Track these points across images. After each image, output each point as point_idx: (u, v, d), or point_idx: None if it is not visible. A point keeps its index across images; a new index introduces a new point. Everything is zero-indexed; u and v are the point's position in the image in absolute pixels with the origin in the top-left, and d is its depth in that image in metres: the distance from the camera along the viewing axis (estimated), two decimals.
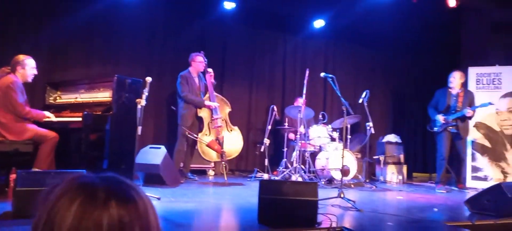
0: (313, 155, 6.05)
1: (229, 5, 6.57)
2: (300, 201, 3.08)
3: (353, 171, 5.74)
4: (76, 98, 4.55)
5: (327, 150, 5.88)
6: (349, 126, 6.10)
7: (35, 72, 4.12)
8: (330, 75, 4.59)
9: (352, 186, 5.64)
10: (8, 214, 3.00)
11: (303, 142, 5.80)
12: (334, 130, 6.05)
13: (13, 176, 4.11)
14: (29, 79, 4.06)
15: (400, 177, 6.45)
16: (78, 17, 5.70)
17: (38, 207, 0.66)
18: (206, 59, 5.59)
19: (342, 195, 3.96)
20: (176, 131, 5.47)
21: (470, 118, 5.56)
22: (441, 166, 5.62)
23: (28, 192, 2.88)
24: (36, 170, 3.69)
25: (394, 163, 6.69)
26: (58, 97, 4.76)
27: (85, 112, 3.93)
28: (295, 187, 3.15)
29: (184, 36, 6.58)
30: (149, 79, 3.87)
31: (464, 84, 5.88)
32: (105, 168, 4.05)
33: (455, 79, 5.62)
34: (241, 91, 7.05)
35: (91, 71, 5.85)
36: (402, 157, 6.84)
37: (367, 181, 6.04)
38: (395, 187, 5.96)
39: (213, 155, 5.35)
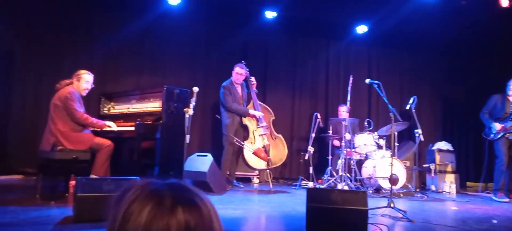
0: (359, 163, 5.92)
1: (270, 14, 6.64)
2: (349, 210, 3.02)
3: (402, 179, 5.55)
4: (128, 108, 4.77)
5: (374, 158, 5.73)
6: (396, 133, 5.91)
7: (89, 87, 4.30)
8: (376, 82, 4.49)
9: (402, 195, 5.44)
10: (69, 218, 3.19)
11: (348, 149, 5.69)
12: (380, 137, 5.89)
13: (72, 183, 4.37)
14: (83, 93, 4.26)
15: (453, 187, 6.14)
16: (128, 32, 6.08)
17: (110, 210, 0.71)
18: (247, 69, 5.64)
19: (392, 205, 3.84)
20: (221, 139, 5.57)
21: None
22: (500, 173, 5.34)
23: (88, 198, 3.04)
24: (94, 176, 3.88)
25: (445, 172, 6.39)
26: (111, 108, 5.02)
27: (138, 122, 4.10)
28: (344, 195, 3.10)
29: (227, 46, 6.73)
30: (196, 89, 3.99)
31: None
32: (156, 175, 4.20)
33: None
34: (284, 99, 7.07)
35: (140, 82, 6.17)
36: (454, 165, 6.52)
37: (418, 190, 5.80)
38: (447, 197, 5.68)
39: (258, 163, 5.38)
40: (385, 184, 5.48)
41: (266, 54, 7.06)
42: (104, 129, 4.20)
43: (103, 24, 6.13)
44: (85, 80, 4.23)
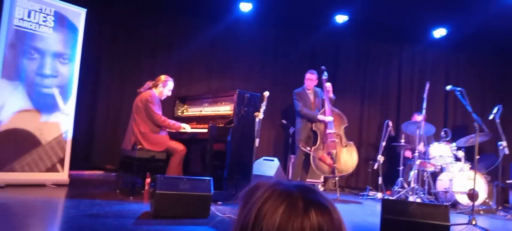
0: (433, 175, 5.56)
1: (341, 18, 6.53)
2: (429, 224, 2.86)
3: (482, 195, 5.12)
4: (201, 111, 4.95)
5: (450, 170, 5.35)
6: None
7: (170, 94, 4.57)
8: (459, 88, 4.20)
9: (481, 212, 5.02)
10: (148, 214, 3.38)
11: (422, 160, 5.38)
12: (459, 148, 5.49)
13: (148, 180, 4.64)
14: (163, 98, 4.51)
15: None
16: (201, 38, 6.39)
17: (241, 207, 0.71)
18: (325, 75, 5.50)
19: (474, 222, 3.56)
20: (286, 144, 5.57)
21: None
22: None
23: (166, 195, 3.21)
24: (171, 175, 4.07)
25: None
26: (185, 111, 5.25)
27: (210, 124, 4.23)
28: (423, 209, 2.94)
29: (295, 51, 6.74)
30: (266, 93, 4.01)
31: None
32: (225, 177, 4.30)
33: None
34: (353, 106, 6.88)
35: (211, 86, 6.43)
36: None
37: (500, 208, 5.31)
38: None
39: (325, 169, 5.28)
40: (463, 199, 5.09)
41: (335, 59, 6.94)
42: (180, 131, 4.39)
43: (179, 33, 6.49)
44: (169, 88, 4.48)
